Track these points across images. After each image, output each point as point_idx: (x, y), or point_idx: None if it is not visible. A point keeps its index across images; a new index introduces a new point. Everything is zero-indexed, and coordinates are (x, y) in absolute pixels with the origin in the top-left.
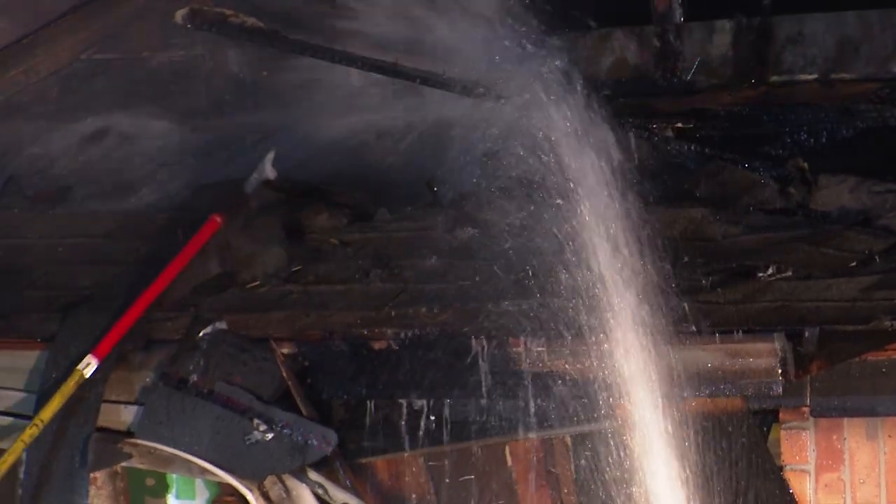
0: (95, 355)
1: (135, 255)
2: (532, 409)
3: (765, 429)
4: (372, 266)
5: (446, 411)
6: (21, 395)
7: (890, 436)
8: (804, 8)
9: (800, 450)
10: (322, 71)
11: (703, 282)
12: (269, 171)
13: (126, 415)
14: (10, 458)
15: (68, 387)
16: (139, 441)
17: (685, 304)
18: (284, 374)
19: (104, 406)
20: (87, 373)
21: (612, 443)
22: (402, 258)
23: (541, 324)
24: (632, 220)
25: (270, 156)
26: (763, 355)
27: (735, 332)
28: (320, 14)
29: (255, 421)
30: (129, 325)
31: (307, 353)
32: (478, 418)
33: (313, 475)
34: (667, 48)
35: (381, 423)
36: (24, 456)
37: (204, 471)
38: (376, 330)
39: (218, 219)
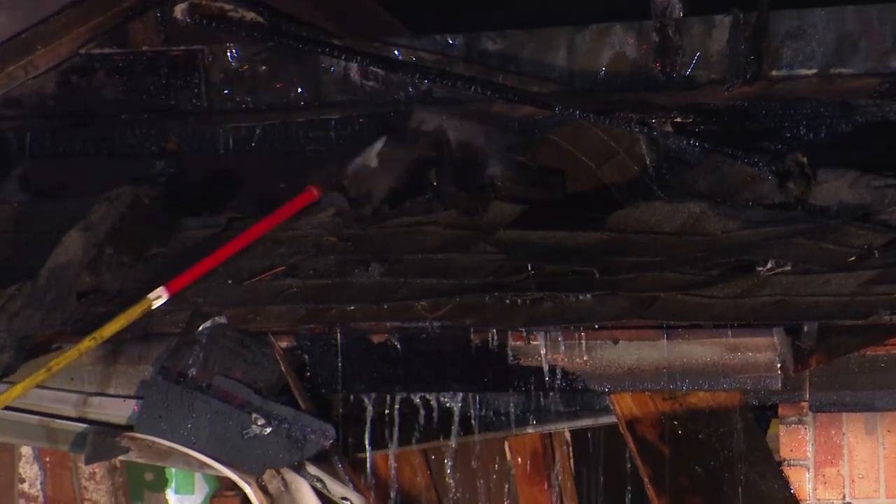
0: (168, 289)
1: None
2: (532, 404)
3: (763, 424)
4: (371, 260)
5: (446, 405)
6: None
7: (889, 431)
8: (803, 2)
9: (798, 445)
10: None
11: (702, 276)
12: (373, 160)
13: (125, 409)
14: (63, 362)
15: (135, 311)
16: (138, 435)
17: (684, 299)
18: (283, 369)
19: (103, 400)
20: (156, 304)
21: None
22: (401, 252)
23: (540, 319)
24: None
25: (380, 144)
26: (762, 350)
27: (734, 327)
28: None
29: (254, 415)
30: (209, 269)
31: (306, 348)
32: (477, 413)
33: (312, 469)
34: (666, 43)
35: (379, 417)
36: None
37: (203, 465)
38: (375, 324)
39: (314, 191)
